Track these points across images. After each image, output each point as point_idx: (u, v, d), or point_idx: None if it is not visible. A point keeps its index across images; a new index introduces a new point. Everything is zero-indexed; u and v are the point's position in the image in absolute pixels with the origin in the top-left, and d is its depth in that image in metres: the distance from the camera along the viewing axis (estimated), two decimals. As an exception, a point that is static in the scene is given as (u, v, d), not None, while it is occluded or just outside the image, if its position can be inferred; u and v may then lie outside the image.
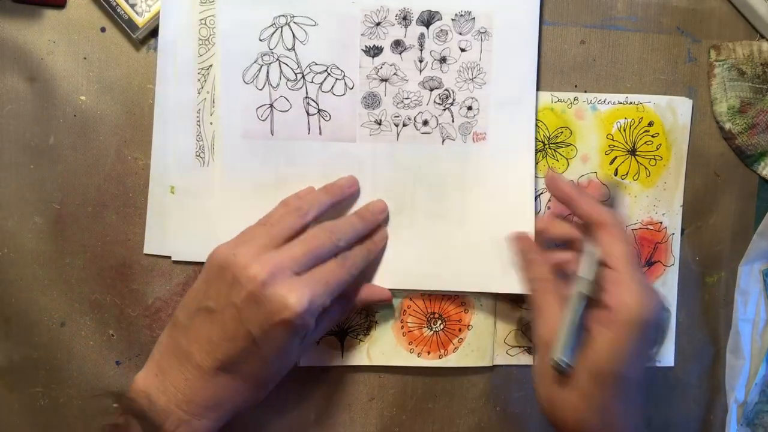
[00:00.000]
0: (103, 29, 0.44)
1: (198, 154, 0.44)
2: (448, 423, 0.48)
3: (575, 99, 0.46)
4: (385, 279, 0.45)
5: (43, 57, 0.44)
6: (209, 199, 0.44)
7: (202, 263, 0.43)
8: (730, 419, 0.49)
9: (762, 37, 0.47)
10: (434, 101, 0.45)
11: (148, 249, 0.44)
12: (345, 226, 0.42)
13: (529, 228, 0.45)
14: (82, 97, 0.44)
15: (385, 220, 0.45)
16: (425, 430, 0.48)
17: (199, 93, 0.44)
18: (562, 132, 0.46)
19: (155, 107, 0.44)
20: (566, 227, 0.43)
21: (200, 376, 0.37)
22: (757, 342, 0.49)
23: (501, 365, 0.48)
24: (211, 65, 0.44)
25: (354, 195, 0.44)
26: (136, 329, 0.45)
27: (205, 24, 0.43)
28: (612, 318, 0.37)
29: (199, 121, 0.44)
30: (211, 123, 0.44)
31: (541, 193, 0.47)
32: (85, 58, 0.44)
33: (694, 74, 0.47)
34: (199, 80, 0.44)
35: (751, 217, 0.49)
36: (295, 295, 0.36)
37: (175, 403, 0.37)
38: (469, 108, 0.45)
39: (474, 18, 0.44)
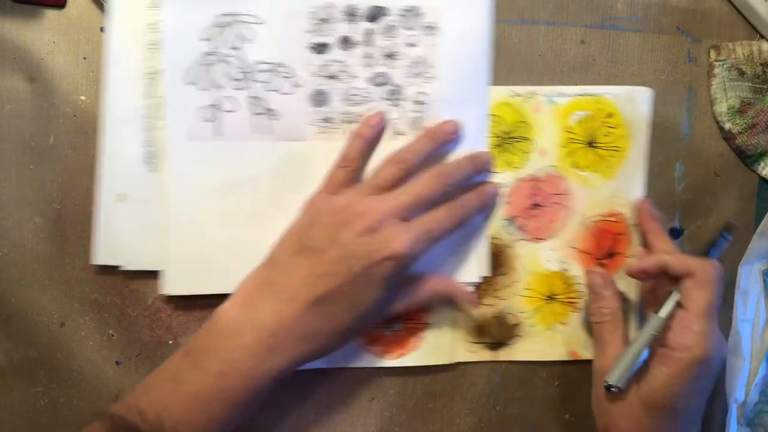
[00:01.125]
0: (102, 29, 0.44)
1: (147, 160, 0.43)
2: (448, 423, 0.48)
3: (532, 93, 0.46)
4: None
5: (43, 57, 0.44)
6: (159, 206, 0.43)
7: (155, 272, 0.43)
8: (730, 419, 0.49)
9: (762, 37, 0.47)
10: (383, 97, 0.44)
11: (97, 260, 0.43)
12: (454, 169, 0.42)
13: (479, 222, 0.45)
14: (82, 97, 0.44)
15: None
16: (425, 430, 0.48)
17: (147, 98, 0.43)
18: (519, 126, 0.46)
19: (102, 112, 0.43)
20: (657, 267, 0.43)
21: (292, 310, 0.38)
22: (757, 342, 0.49)
23: (462, 363, 0.47)
24: (159, 69, 0.43)
25: (457, 141, 0.44)
26: (136, 329, 0.45)
27: (154, 28, 0.43)
28: (671, 356, 0.39)
29: (147, 126, 0.43)
30: (160, 128, 0.43)
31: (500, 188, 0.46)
32: (85, 58, 0.44)
33: (694, 74, 0.47)
34: (147, 84, 0.43)
35: (751, 217, 0.49)
36: (400, 240, 0.38)
37: (259, 337, 0.38)
38: (419, 103, 0.44)
39: (421, 13, 0.44)
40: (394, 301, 0.42)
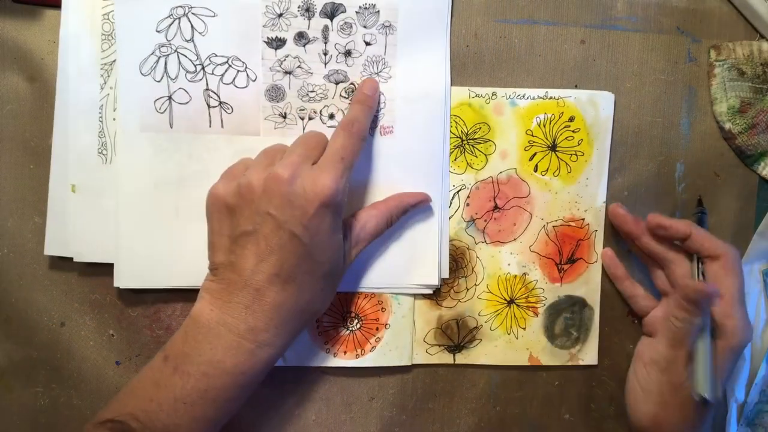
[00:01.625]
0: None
1: (100, 151, 0.43)
2: (448, 423, 0.48)
3: (493, 94, 0.46)
4: None
5: (43, 57, 0.44)
6: (112, 197, 0.43)
7: (106, 264, 0.43)
8: (730, 419, 0.49)
9: (762, 37, 0.47)
10: (340, 95, 0.44)
11: (48, 250, 0.43)
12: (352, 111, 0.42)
13: (436, 223, 0.45)
14: (82, 97, 0.44)
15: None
16: (425, 430, 0.48)
17: (102, 89, 0.43)
18: (480, 128, 0.46)
19: (56, 103, 0.43)
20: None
21: (259, 299, 0.37)
22: (757, 342, 0.49)
23: (421, 364, 0.47)
24: (114, 60, 0.43)
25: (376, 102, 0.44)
26: (136, 329, 0.45)
27: (108, 19, 0.43)
28: (720, 346, 0.41)
29: (101, 117, 0.43)
30: (114, 119, 0.43)
31: (460, 190, 0.46)
32: (85, 58, 0.44)
33: (694, 74, 0.47)
34: (102, 76, 0.43)
35: (751, 217, 0.49)
36: (320, 180, 0.37)
37: (238, 334, 0.37)
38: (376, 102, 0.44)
39: (378, 11, 0.43)
40: (352, 240, 0.41)
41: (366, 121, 0.41)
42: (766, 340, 0.49)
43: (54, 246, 0.44)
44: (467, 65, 0.46)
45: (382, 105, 0.44)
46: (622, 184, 0.47)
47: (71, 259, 0.44)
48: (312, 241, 0.37)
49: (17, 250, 0.44)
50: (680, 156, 0.48)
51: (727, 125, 0.47)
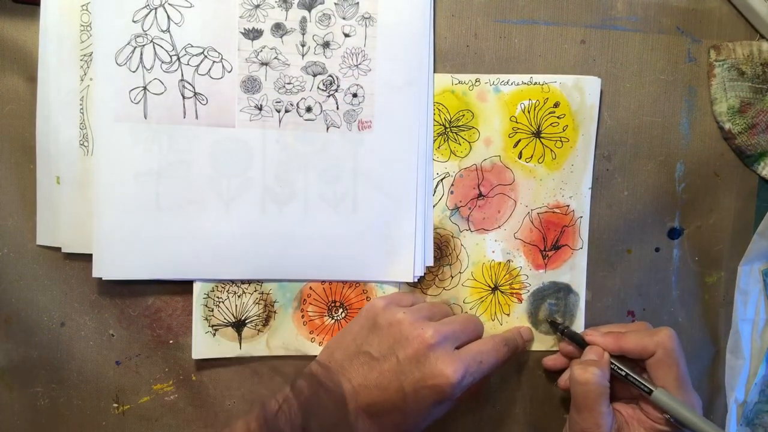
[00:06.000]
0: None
1: (82, 143, 0.43)
2: (448, 423, 0.48)
3: (477, 81, 0.46)
4: (279, 269, 0.45)
5: (43, 57, 0.44)
6: (91, 189, 0.43)
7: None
8: (730, 419, 0.49)
9: (762, 37, 0.47)
10: (318, 87, 0.44)
11: (40, 240, 0.44)
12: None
13: (411, 215, 0.45)
14: (82, 97, 0.44)
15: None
16: (425, 430, 0.48)
17: (82, 80, 0.43)
18: (463, 115, 0.46)
19: (38, 94, 0.43)
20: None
21: (344, 415, 0.39)
22: (757, 342, 0.49)
23: None
24: (93, 51, 0.43)
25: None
26: (136, 329, 0.45)
27: (87, 10, 0.43)
28: (655, 428, 0.41)
29: (82, 108, 0.43)
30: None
31: (444, 178, 0.46)
32: (85, 58, 0.44)
33: (694, 74, 0.47)
34: (81, 67, 0.43)
35: (751, 217, 0.49)
36: (453, 367, 0.38)
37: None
38: (354, 95, 0.44)
39: (358, 2, 0.43)
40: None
41: (518, 351, 0.45)
42: (766, 340, 0.49)
43: (44, 237, 0.44)
44: (467, 65, 0.46)
45: (360, 99, 0.44)
46: (622, 184, 0.47)
47: (60, 249, 0.44)
48: (413, 403, 0.39)
49: (17, 250, 0.44)
50: (680, 156, 0.48)
51: (727, 125, 0.47)
